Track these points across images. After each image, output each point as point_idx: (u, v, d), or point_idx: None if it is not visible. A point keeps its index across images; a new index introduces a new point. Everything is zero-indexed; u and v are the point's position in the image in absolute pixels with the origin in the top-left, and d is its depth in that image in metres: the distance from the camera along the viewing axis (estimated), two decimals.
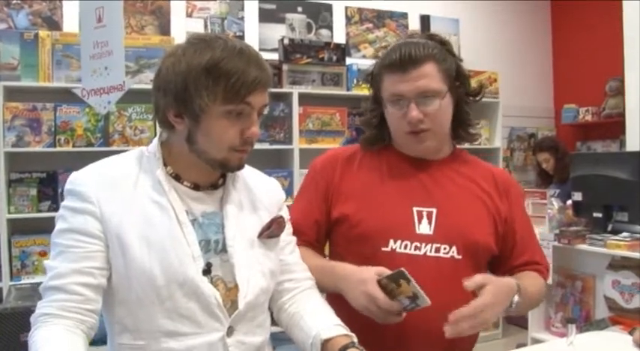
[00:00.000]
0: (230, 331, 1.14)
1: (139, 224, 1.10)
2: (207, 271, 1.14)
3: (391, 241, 1.32)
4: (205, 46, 1.09)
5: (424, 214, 1.35)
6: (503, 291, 1.25)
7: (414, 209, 1.35)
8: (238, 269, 1.16)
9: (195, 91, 1.07)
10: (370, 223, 1.35)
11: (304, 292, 1.31)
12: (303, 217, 1.42)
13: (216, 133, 1.11)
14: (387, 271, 1.20)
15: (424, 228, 1.33)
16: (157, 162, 1.16)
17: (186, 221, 1.14)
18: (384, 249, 1.32)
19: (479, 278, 1.21)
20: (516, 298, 1.27)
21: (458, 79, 1.39)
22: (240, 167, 1.19)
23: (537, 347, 1.49)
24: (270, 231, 1.24)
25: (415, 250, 1.32)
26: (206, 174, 1.19)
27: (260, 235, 1.23)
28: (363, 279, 1.21)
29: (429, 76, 1.32)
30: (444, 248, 1.32)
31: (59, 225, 1.12)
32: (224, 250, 1.17)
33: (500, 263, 1.44)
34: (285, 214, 1.32)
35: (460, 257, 1.33)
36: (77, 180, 1.13)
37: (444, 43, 1.39)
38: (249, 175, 1.27)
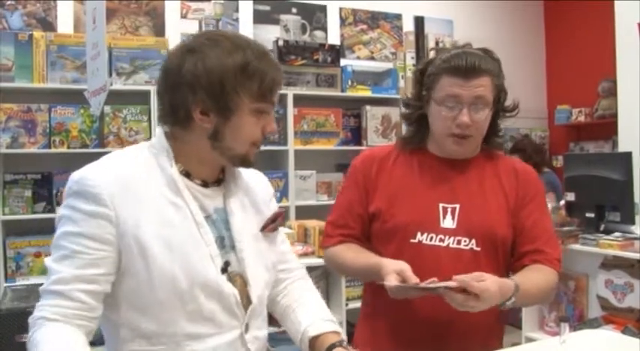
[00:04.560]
0: (247, 328, 1.16)
1: (158, 226, 1.08)
2: (224, 269, 1.14)
3: (418, 234, 1.45)
4: (233, 45, 1.11)
5: (448, 209, 1.47)
6: (504, 289, 1.31)
7: (440, 205, 1.47)
8: (248, 264, 1.18)
9: (232, 88, 1.09)
10: (400, 218, 1.47)
11: (296, 282, 1.35)
12: (348, 212, 1.54)
13: (245, 130, 1.13)
14: (405, 268, 1.31)
15: (448, 222, 1.46)
16: (169, 159, 1.14)
17: (202, 221, 1.13)
18: (412, 241, 1.45)
19: (474, 274, 1.27)
20: (512, 299, 1.33)
21: (499, 94, 1.51)
22: (254, 162, 1.21)
23: (530, 346, 1.50)
24: (275, 224, 1.27)
25: (439, 241, 1.44)
26: (213, 170, 1.20)
27: (264, 229, 1.25)
28: (384, 275, 1.33)
29: (485, 86, 1.43)
30: (465, 241, 1.44)
31: (66, 227, 1.06)
32: (233, 245, 1.18)
33: (511, 250, 1.52)
34: (275, 205, 1.36)
35: (479, 249, 1.44)
36: (88, 180, 1.07)
37: (495, 60, 1.51)
38: (241, 170, 1.27)
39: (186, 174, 1.16)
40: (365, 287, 1.65)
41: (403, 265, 1.31)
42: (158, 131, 1.18)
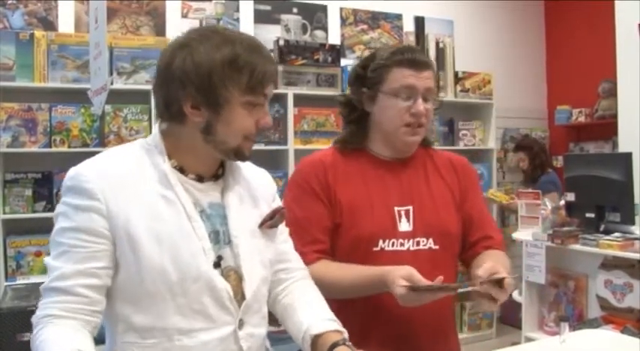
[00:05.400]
0: (241, 324, 1.15)
1: (148, 219, 1.09)
2: (217, 264, 1.14)
3: (380, 241, 1.44)
4: (222, 39, 1.11)
5: (402, 212, 1.48)
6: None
7: (395, 209, 1.47)
8: (243, 259, 1.18)
9: (220, 82, 1.09)
10: (361, 228, 1.45)
11: (298, 282, 1.33)
12: (314, 225, 1.47)
13: (237, 123, 1.13)
14: (413, 272, 1.28)
15: (404, 226, 1.47)
16: (161, 155, 1.15)
17: (194, 215, 1.13)
18: (374, 249, 1.44)
19: (489, 266, 1.28)
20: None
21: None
22: (250, 156, 1.21)
23: (530, 345, 1.51)
24: (273, 221, 1.26)
25: (400, 246, 1.45)
26: (209, 165, 1.20)
27: (261, 225, 1.24)
28: (391, 282, 1.29)
29: (431, 79, 1.48)
30: (423, 241, 1.47)
31: (61, 223, 1.09)
32: (229, 240, 1.18)
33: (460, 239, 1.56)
34: (279, 203, 1.35)
35: (437, 247, 1.47)
36: (80, 176, 1.09)
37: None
38: (244, 166, 1.28)
39: (181, 169, 1.17)
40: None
41: (409, 269, 1.29)
42: (154, 129, 1.20)
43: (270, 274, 1.26)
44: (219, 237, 1.17)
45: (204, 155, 1.18)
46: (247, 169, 1.29)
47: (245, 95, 1.12)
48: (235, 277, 1.17)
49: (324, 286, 1.38)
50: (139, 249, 1.07)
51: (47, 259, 1.09)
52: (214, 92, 1.10)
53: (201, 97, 1.10)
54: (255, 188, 1.28)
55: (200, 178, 1.19)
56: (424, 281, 1.25)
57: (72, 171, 1.12)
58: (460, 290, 1.25)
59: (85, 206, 1.07)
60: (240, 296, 1.16)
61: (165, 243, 1.09)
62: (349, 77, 1.60)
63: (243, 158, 1.20)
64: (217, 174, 1.23)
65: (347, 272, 1.41)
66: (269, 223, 1.25)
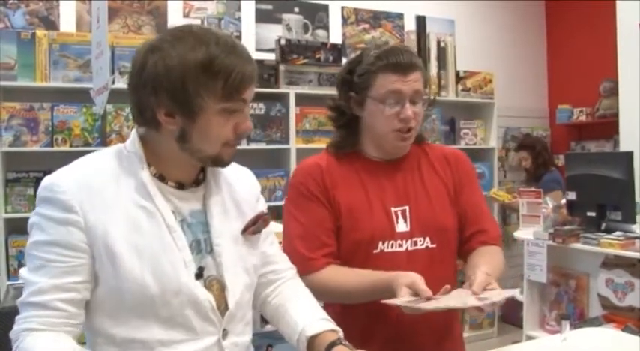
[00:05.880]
0: (224, 334, 1.13)
1: (126, 232, 1.05)
2: (199, 274, 1.11)
3: (380, 244, 1.44)
4: (197, 40, 1.03)
5: (399, 213, 1.47)
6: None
7: (392, 210, 1.47)
8: (226, 268, 1.14)
9: (194, 90, 1.02)
10: (361, 231, 1.45)
11: (286, 282, 1.31)
12: (320, 229, 1.45)
13: (213, 131, 1.07)
14: (416, 280, 1.26)
15: (402, 226, 1.46)
16: (141, 163, 1.10)
17: (174, 225, 1.09)
18: (375, 251, 1.44)
19: (482, 279, 1.27)
20: None
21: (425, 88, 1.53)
22: (230, 162, 1.16)
23: (531, 343, 1.51)
24: (256, 227, 1.22)
25: (398, 247, 1.45)
26: (189, 171, 1.16)
27: (245, 231, 1.21)
28: (395, 290, 1.28)
29: (419, 81, 1.45)
30: (420, 240, 1.47)
31: (37, 236, 1.04)
32: (211, 249, 1.15)
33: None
34: (263, 204, 1.31)
35: (434, 246, 1.47)
36: (56, 187, 1.04)
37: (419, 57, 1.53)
38: (225, 168, 1.21)
39: (160, 177, 1.12)
40: (326, 306, 1.46)
41: (413, 277, 1.26)
42: (132, 134, 1.14)
43: (255, 280, 1.23)
44: (201, 246, 1.14)
45: (182, 163, 1.13)
46: (229, 170, 1.24)
47: (221, 102, 1.05)
48: (218, 287, 1.14)
49: (333, 292, 1.39)
50: (118, 262, 1.03)
51: (23, 272, 1.05)
52: (188, 100, 1.03)
53: (175, 105, 1.04)
54: (238, 192, 1.24)
55: (180, 186, 1.14)
56: (427, 289, 1.24)
57: (46, 180, 1.06)
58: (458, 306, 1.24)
59: (62, 219, 1.03)
60: (223, 306, 1.13)
61: (145, 256, 1.05)
62: (337, 81, 1.58)
63: (222, 165, 1.15)
64: (198, 179, 1.18)
65: (355, 278, 1.40)
66: (252, 229, 1.21)
